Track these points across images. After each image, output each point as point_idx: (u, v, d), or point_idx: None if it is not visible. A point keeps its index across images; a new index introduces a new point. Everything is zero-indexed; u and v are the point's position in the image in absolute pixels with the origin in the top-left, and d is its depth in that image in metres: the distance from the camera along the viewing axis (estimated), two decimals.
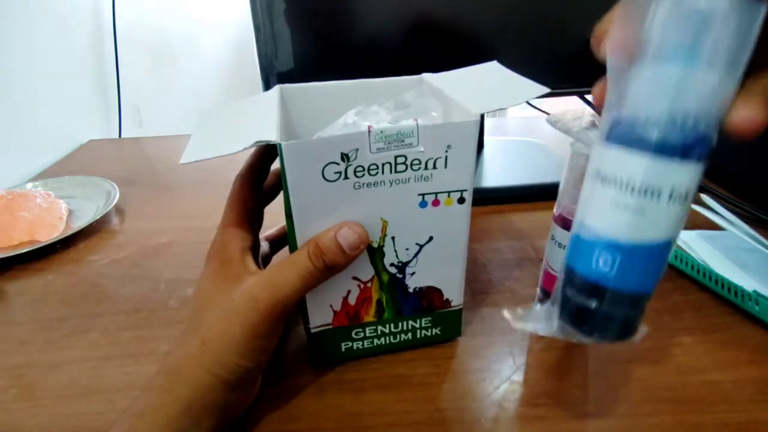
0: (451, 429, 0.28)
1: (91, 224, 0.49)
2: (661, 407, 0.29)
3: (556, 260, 0.32)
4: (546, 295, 0.34)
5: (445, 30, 0.47)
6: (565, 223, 0.31)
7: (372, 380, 0.31)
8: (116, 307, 0.39)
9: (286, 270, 0.26)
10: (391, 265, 0.29)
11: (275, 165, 0.31)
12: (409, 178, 0.26)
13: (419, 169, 0.26)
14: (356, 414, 0.29)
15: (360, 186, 0.26)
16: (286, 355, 0.33)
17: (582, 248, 0.20)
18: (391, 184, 0.26)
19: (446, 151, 0.26)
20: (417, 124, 0.25)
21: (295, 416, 0.29)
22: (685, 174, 0.18)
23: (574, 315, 0.21)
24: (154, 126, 0.98)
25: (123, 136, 0.87)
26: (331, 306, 0.30)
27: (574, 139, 0.29)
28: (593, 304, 0.20)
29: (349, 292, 0.30)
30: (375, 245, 0.28)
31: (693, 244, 0.43)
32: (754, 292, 0.35)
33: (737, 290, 0.36)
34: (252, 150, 0.28)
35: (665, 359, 0.32)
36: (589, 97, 0.55)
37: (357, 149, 0.25)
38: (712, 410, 0.29)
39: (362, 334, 0.32)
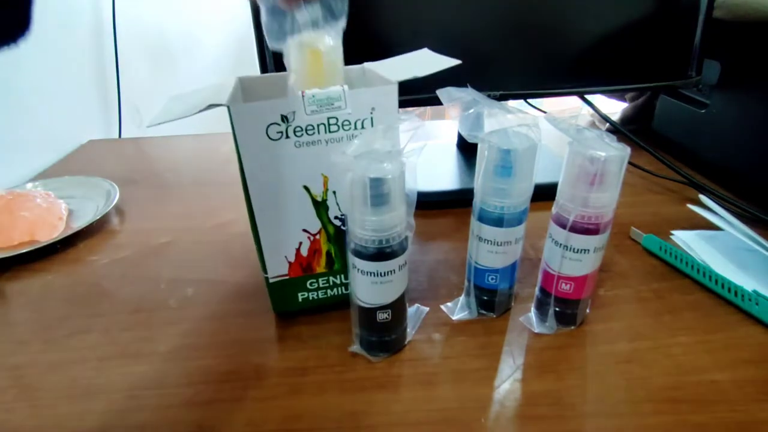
0: (451, 429, 0.28)
1: (91, 224, 0.49)
2: (661, 407, 0.29)
3: (554, 259, 0.32)
4: (545, 295, 0.34)
5: (448, 30, 0.47)
6: (562, 223, 0.31)
7: (372, 380, 0.31)
8: (116, 307, 0.39)
9: None
10: (335, 217, 0.33)
11: None
12: (341, 137, 0.31)
13: (350, 128, 0.31)
14: (356, 414, 0.29)
15: (300, 145, 0.30)
16: (286, 356, 0.34)
17: (480, 272, 0.35)
18: (327, 143, 0.31)
19: (371, 113, 0.30)
20: (344, 89, 0.29)
21: (295, 416, 0.29)
22: (518, 231, 0.33)
23: (483, 305, 0.37)
24: (154, 126, 0.98)
25: (123, 136, 0.87)
26: (286, 257, 0.34)
27: (572, 139, 0.29)
28: (491, 297, 0.36)
29: (300, 243, 0.33)
30: (319, 199, 0.32)
31: (693, 244, 0.43)
32: (754, 292, 0.35)
33: (737, 290, 0.36)
34: None
35: (665, 359, 0.32)
36: (588, 97, 0.55)
37: (294, 111, 0.29)
38: (712, 410, 0.29)
39: (316, 285, 0.36)
